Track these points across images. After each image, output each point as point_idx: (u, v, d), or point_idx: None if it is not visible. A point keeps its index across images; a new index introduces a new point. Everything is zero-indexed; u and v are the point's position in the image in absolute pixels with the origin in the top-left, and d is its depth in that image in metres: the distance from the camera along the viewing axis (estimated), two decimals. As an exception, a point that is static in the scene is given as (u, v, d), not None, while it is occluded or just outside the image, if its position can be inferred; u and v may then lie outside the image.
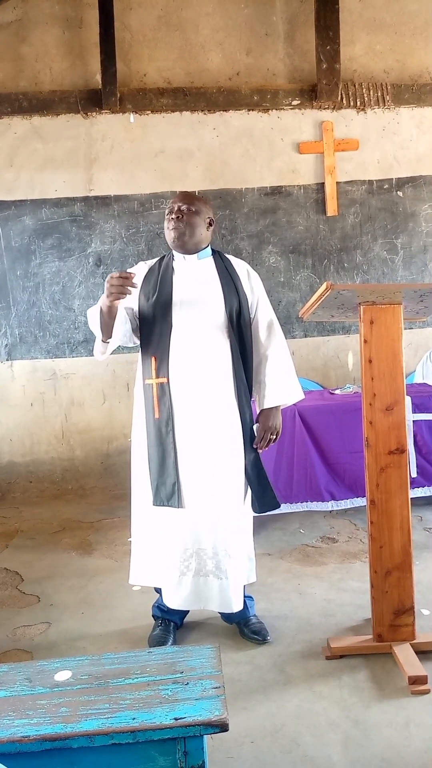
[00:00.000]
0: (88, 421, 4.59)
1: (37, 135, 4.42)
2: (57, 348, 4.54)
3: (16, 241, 4.45)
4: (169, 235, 2.31)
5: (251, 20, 4.46)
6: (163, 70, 4.44)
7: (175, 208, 2.30)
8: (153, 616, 2.45)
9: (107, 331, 2.22)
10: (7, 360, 4.53)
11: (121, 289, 2.09)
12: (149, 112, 4.45)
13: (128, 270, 2.36)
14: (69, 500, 4.31)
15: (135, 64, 4.43)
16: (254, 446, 2.32)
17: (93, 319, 2.28)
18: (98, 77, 4.34)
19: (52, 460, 4.58)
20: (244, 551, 2.35)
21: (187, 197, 2.35)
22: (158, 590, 2.41)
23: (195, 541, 2.25)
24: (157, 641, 2.34)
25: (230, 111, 4.49)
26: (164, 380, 2.25)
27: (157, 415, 2.26)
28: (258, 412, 2.39)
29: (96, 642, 2.42)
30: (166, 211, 2.34)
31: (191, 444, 2.25)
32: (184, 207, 2.30)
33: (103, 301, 2.17)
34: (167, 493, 2.24)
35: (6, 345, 4.52)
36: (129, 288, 2.10)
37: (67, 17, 4.37)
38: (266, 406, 2.35)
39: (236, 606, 2.28)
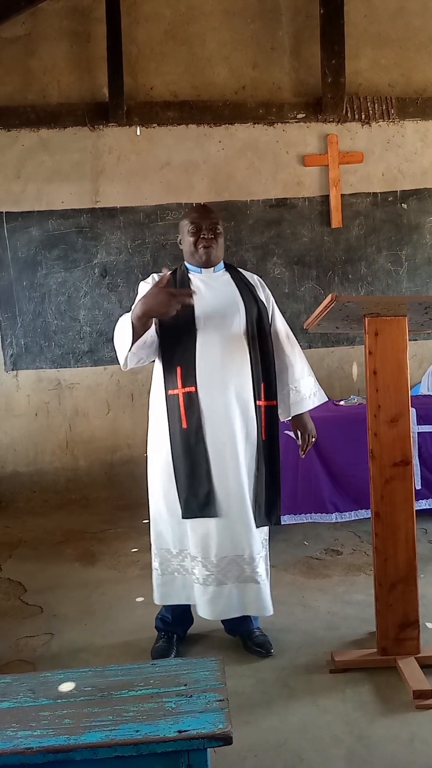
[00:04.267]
0: (92, 431, 4.60)
1: (45, 147, 4.46)
2: (62, 358, 4.56)
3: (23, 252, 4.48)
4: (199, 254, 2.33)
5: (257, 35, 4.51)
6: (169, 83, 4.49)
7: (204, 226, 2.33)
8: (156, 627, 2.43)
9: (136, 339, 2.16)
10: (12, 370, 4.54)
11: (182, 300, 2.08)
12: (156, 124, 4.49)
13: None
14: (72, 510, 4.31)
15: (142, 78, 4.47)
16: (300, 454, 2.47)
17: (123, 333, 2.18)
18: (105, 90, 4.39)
19: (56, 470, 4.58)
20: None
21: (211, 216, 2.36)
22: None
23: (233, 548, 2.25)
24: (160, 653, 2.33)
25: (236, 124, 4.53)
26: (192, 389, 2.23)
27: (185, 425, 2.23)
28: (290, 418, 2.45)
29: (99, 653, 2.41)
30: (190, 227, 2.33)
31: (222, 452, 2.24)
32: (212, 226, 2.33)
33: (145, 310, 2.08)
34: (200, 503, 2.21)
35: (11, 355, 4.54)
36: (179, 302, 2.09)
37: (75, 32, 4.43)
38: (303, 410, 2.44)
39: (271, 608, 2.31)
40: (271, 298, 2.47)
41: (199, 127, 4.52)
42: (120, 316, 2.27)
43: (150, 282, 2.38)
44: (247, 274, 2.47)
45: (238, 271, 2.45)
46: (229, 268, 2.44)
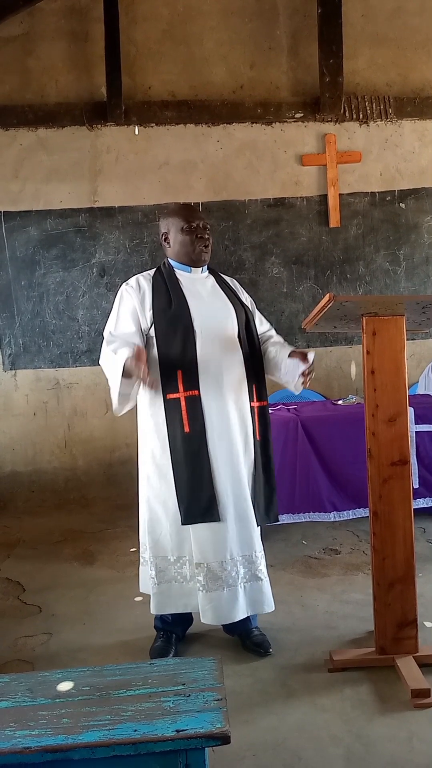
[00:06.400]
0: (90, 431, 4.59)
1: (43, 147, 4.46)
2: (60, 357, 4.56)
3: (21, 252, 4.48)
4: (196, 252, 2.34)
5: (255, 34, 4.51)
6: (167, 83, 4.48)
7: (200, 225, 2.34)
8: (155, 627, 2.43)
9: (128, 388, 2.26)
10: (10, 369, 4.54)
11: (144, 380, 2.13)
12: (154, 124, 4.49)
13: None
14: (71, 510, 4.31)
15: (140, 77, 4.47)
16: (303, 374, 2.28)
17: (113, 373, 2.22)
18: (103, 90, 4.38)
19: (54, 469, 4.58)
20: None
21: (200, 214, 2.42)
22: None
23: (238, 549, 2.26)
24: (159, 653, 2.33)
25: (234, 123, 4.53)
26: (195, 392, 2.22)
27: (187, 430, 2.21)
28: (288, 356, 2.33)
29: (97, 653, 2.42)
30: (185, 225, 2.32)
31: (223, 455, 2.24)
32: (206, 226, 2.37)
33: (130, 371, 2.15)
34: (201, 508, 2.21)
35: (10, 354, 4.53)
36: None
37: (73, 31, 4.42)
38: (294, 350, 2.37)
39: (273, 604, 2.35)
40: (250, 300, 2.52)
41: (197, 126, 4.51)
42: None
43: (134, 285, 2.35)
44: (227, 278, 2.50)
45: (219, 274, 2.48)
46: (210, 270, 2.46)
